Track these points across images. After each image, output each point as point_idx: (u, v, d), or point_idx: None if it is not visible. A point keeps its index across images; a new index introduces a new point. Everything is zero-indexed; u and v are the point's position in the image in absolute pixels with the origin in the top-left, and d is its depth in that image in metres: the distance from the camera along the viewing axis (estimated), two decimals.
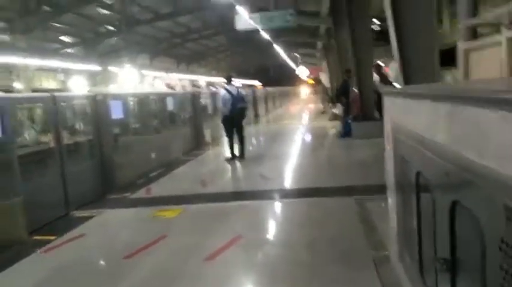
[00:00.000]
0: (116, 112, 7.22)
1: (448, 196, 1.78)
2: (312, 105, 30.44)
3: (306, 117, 21.41)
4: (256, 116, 21.10)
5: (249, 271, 3.73)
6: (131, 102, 8.14)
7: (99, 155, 6.96)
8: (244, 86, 40.40)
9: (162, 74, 33.09)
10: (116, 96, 7.39)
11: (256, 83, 50.64)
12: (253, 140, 13.83)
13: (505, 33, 3.41)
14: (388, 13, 5.33)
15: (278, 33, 18.54)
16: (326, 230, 4.54)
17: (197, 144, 11.84)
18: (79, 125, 6.81)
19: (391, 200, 3.32)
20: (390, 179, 3.26)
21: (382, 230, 4.18)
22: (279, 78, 54.50)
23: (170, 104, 9.96)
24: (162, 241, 4.61)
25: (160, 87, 28.33)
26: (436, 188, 1.98)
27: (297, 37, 20.63)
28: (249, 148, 11.42)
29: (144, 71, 30.27)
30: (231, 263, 3.85)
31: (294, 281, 3.47)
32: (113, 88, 25.33)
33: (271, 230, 4.71)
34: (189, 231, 4.93)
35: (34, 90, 21.90)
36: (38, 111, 6.19)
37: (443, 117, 1.76)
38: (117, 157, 7.20)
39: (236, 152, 9.30)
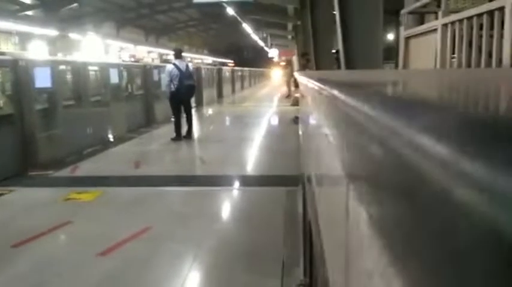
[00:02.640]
0: (42, 81, 6.56)
1: None
2: (282, 89, 30.04)
3: (270, 101, 20.96)
4: (220, 96, 20.54)
5: (132, 273, 3.27)
6: (64, 72, 7.44)
7: (19, 128, 6.32)
8: (215, 63, 39.63)
9: (129, 45, 31.88)
10: (42, 63, 6.70)
11: (229, 62, 49.79)
12: (208, 121, 13.38)
13: (441, 20, 3.02)
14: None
15: (245, 11, 17.84)
16: (243, 227, 4.18)
17: (147, 121, 11.25)
18: None
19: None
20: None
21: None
22: (254, 59, 53.88)
23: (115, 76, 9.29)
24: (62, 228, 4.13)
25: (126, 59, 27.28)
26: None
27: (266, 16, 19.97)
28: (202, 129, 10.99)
29: (110, 41, 29.03)
30: (122, 260, 3.41)
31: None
32: (75, 56, 24.20)
33: (185, 222, 4.28)
34: (98, 218, 4.46)
35: None
36: None
37: None
38: (41, 132, 6.59)
39: (183, 132, 8.85)
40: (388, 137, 0.34)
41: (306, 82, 1.51)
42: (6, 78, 6.23)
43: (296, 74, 2.63)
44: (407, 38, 3.97)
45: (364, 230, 0.38)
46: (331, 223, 0.65)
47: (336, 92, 0.64)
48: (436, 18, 3.76)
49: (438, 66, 3.16)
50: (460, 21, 2.86)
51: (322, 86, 0.78)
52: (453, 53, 3.17)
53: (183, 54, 8.91)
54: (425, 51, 3.47)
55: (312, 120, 1.36)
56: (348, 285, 0.39)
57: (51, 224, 4.17)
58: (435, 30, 3.16)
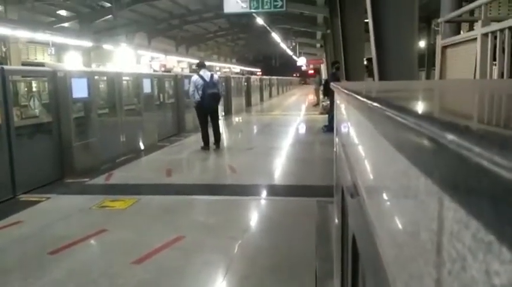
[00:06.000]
0: (79, 92, 6.76)
1: None
2: (310, 97, 29.95)
3: (298, 110, 20.91)
4: (249, 105, 20.65)
5: (166, 282, 3.29)
6: (99, 82, 7.66)
7: (56, 136, 6.53)
8: (243, 72, 39.89)
9: (160, 55, 32.50)
10: (79, 74, 6.91)
11: (257, 71, 50.03)
12: (237, 130, 13.43)
13: (480, 29, 2.95)
14: (368, 5, 4.87)
15: (274, 20, 17.95)
16: (274, 238, 4.16)
17: (178, 130, 11.42)
18: (34, 104, 6.36)
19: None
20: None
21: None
22: (282, 68, 54.01)
23: (148, 86, 9.49)
24: (98, 235, 4.22)
25: (157, 68, 27.85)
26: None
27: (295, 25, 20.04)
28: (231, 137, 11.05)
29: (141, 51, 29.68)
30: (155, 269, 3.45)
31: None
32: (108, 66, 24.90)
33: (216, 232, 4.30)
34: (131, 226, 4.53)
35: (25, 64, 21.43)
36: None
37: None
38: (77, 140, 6.77)
39: (211, 140, 8.93)
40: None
41: (345, 92, 1.49)
42: (44, 87, 6.46)
43: (332, 85, 2.61)
44: (444, 47, 3.88)
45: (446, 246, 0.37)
46: (397, 237, 0.63)
47: (392, 113, 0.63)
48: (472, 27, 3.68)
49: (478, 76, 3.07)
50: (502, 30, 2.78)
51: (374, 103, 0.77)
52: (493, 61, 3.08)
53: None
54: (464, 61, 3.38)
55: (354, 130, 1.34)
56: None
57: (86, 231, 4.28)
58: (474, 39, 3.08)
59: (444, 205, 0.39)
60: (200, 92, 8.42)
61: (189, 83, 8.77)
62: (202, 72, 8.66)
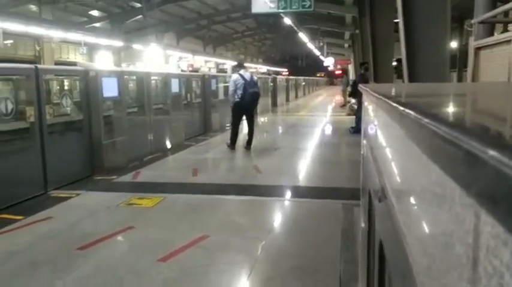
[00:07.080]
0: (110, 91, 6.90)
1: None
2: (337, 97, 29.70)
3: (324, 110, 20.74)
4: (274, 105, 20.62)
5: (191, 280, 3.33)
6: (129, 81, 7.81)
7: (87, 135, 6.69)
8: (270, 72, 39.87)
9: (188, 55, 32.87)
10: (110, 74, 7.06)
11: (283, 71, 49.89)
12: (263, 130, 13.43)
13: None
14: (398, 5, 4.79)
15: (302, 20, 17.86)
16: (299, 240, 4.13)
17: (204, 129, 11.52)
18: (66, 103, 6.53)
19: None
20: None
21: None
22: (308, 68, 53.68)
23: (176, 86, 9.61)
24: (125, 232, 4.30)
25: (184, 68, 28.17)
26: None
27: (323, 25, 19.88)
28: (257, 138, 11.06)
29: (170, 51, 30.09)
30: (181, 267, 3.49)
31: None
32: (137, 66, 25.34)
33: (241, 232, 4.31)
34: (158, 224, 4.60)
35: (58, 63, 22.06)
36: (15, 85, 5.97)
37: None
38: (107, 138, 6.92)
39: (240, 140, 8.95)
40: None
41: (375, 96, 1.47)
42: (75, 86, 6.63)
43: (360, 86, 2.57)
44: (477, 49, 3.77)
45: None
46: (428, 247, 0.61)
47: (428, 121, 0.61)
48: (506, 28, 3.55)
49: None
50: None
51: (415, 114, 0.75)
52: None
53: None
54: (498, 64, 3.27)
55: (383, 134, 1.31)
56: None
57: (114, 228, 4.36)
58: (509, 41, 2.97)
59: (481, 219, 0.37)
60: (240, 91, 8.41)
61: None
62: (242, 71, 8.68)
